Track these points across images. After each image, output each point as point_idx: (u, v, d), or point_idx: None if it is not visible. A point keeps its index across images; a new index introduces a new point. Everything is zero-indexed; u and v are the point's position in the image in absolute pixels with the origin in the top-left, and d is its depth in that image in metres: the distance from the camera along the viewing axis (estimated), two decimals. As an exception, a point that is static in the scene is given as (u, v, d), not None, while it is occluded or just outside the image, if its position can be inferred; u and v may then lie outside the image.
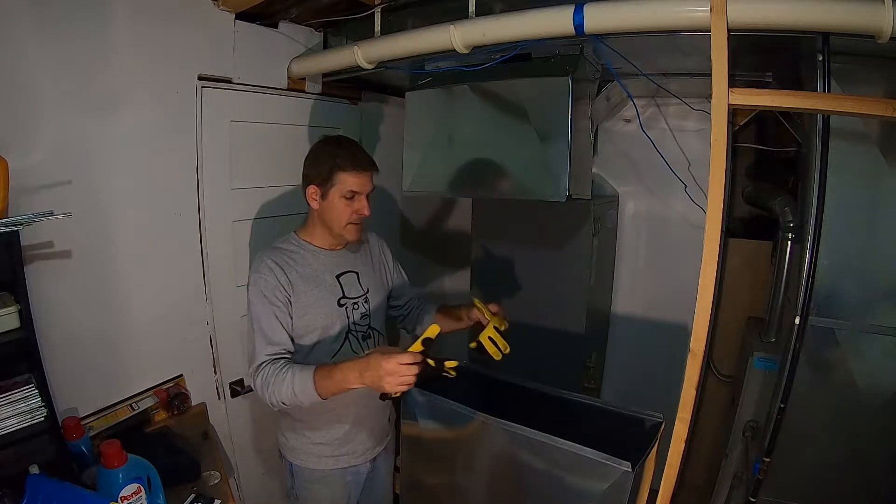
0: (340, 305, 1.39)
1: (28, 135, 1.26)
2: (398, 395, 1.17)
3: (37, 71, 1.25)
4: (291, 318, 1.31)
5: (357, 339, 1.42)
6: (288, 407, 1.22)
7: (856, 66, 1.25)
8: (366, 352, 1.26)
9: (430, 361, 1.13)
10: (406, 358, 1.08)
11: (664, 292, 2.36)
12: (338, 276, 1.40)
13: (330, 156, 1.32)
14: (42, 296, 1.26)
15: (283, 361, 1.23)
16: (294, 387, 1.17)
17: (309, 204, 1.37)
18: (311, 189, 1.34)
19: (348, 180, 1.30)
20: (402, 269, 1.64)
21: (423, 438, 1.35)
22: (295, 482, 1.47)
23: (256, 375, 1.23)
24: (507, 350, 1.36)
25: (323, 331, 1.36)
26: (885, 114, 0.94)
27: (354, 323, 1.41)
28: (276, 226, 1.93)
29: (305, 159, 1.37)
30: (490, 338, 1.35)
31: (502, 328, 1.38)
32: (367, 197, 1.35)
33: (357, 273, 1.45)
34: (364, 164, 1.33)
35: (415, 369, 1.08)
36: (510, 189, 1.59)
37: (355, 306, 1.42)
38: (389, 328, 1.57)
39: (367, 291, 1.46)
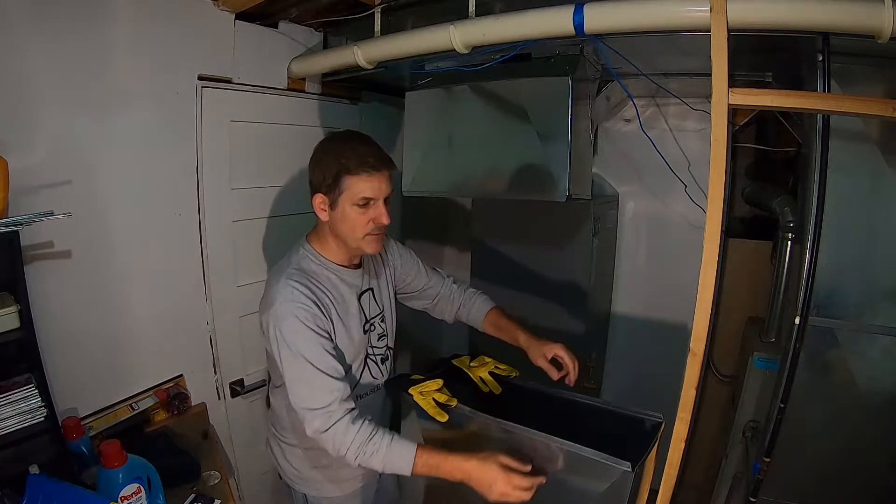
0: (365, 332, 1.26)
1: (28, 135, 1.26)
2: None
3: (37, 71, 1.25)
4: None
5: (376, 364, 1.31)
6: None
7: (856, 66, 1.25)
8: (483, 451, 1.07)
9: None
10: (525, 483, 1.01)
11: (664, 292, 2.36)
12: (359, 298, 1.25)
13: (335, 157, 1.10)
14: (42, 296, 1.26)
15: (367, 422, 1.07)
16: (390, 462, 1.05)
17: (317, 215, 1.16)
18: (318, 198, 1.14)
19: (358, 185, 1.09)
20: (411, 253, 1.45)
21: (423, 439, 1.35)
22: None
23: (328, 426, 1.05)
24: (498, 391, 1.35)
25: (348, 361, 1.22)
26: (885, 114, 0.94)
27: (373, 346, 1.29)
28: (277, 226, 1.93)
29: (309, 162, 1.18)
30: (481, 377, 1.37)
31: (510, 374, 1.39)
32: (386, 201, 1.14)
33: (372, 290, 1.30)
34: (376, 163, 1.10)
35: (526, 496, 1.01)
36: (510, 189, 1.59)
37: (372, 327, 1.28)
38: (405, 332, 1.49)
39: (383, 309, 1.33)
